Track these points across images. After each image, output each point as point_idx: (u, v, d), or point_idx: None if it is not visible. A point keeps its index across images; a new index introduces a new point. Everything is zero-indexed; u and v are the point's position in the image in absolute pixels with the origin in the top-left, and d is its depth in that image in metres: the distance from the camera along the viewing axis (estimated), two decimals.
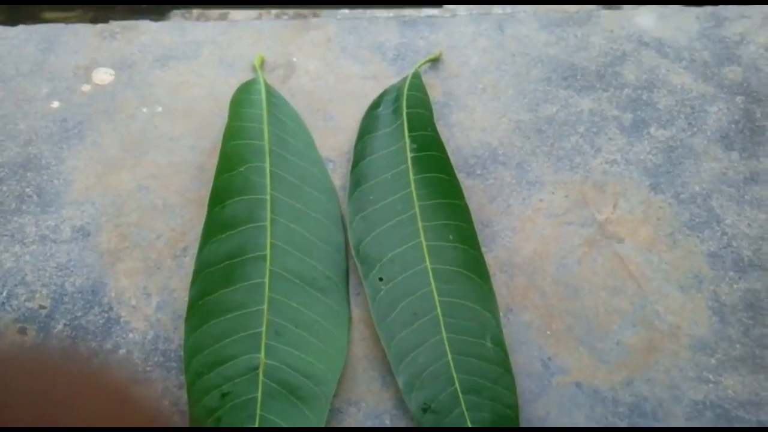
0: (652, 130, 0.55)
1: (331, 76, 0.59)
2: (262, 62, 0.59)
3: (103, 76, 0.59)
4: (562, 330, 0.46)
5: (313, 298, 0.46)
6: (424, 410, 0.42)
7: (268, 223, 0.47)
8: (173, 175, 0.53)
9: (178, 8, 0.71)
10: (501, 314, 0.46)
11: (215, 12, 0.83)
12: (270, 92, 0.55)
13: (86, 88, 0.58)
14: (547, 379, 0.44)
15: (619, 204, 0.51)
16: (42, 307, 0.47)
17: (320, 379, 0.43)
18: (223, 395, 0.41)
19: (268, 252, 0.46)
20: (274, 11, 0.80)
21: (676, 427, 0.42)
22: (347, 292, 0.47)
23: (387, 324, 0.45)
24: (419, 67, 0.57)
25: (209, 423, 0.41)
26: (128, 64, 0.59)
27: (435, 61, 0.59)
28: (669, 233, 0.50)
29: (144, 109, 0.57)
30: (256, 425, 0.41)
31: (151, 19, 0.63)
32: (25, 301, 0.47)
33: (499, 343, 0.44)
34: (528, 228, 0.50)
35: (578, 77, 0.58)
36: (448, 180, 0.49)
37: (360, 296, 0.47)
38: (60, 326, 0.46)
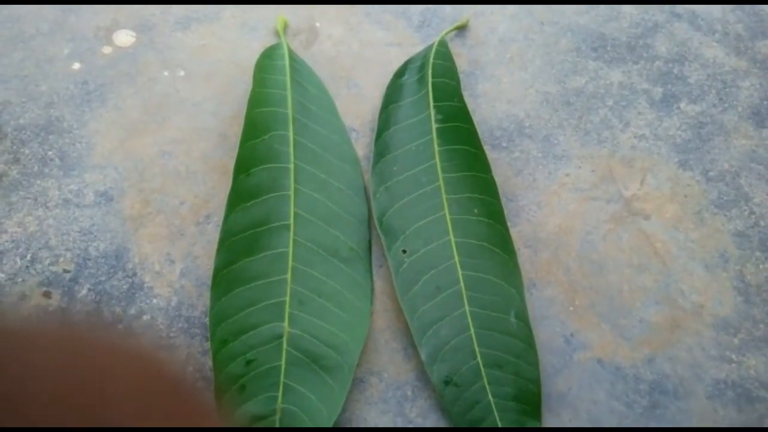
0: (682, 105, 0.54)
1: (354, 42, 0.58)
2: (285, 26, 0.58)
3: (124, 38, 0.58)
4: (586, 306, 0.46)
5: (336, 268, 0.46)
6: (446, 383, 0.42)
7: (291, 193, 0.47)
8: (196, 141, 0.52)
9: None
10: (525, 289, 0.45)
11: None
12: (293, 58, 0.54)
13: (107, 49, 0.57)
14: (569, 355, 0.44)
15: (646, 180, 0.50)
16: (66, 271, 0.47)
17: (343, 349, 0.43)
18: (248, 362, 0.42)
19: (291, 221, 0.46)
20: None
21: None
22: (370, 264, 0.47)
23: (410, 296, 0.45)
24: (446, 34, 0.56)
25: (233, 390, 0.41)
26: (149, 26, 0.58)
27: (462, 29, 0.57)
28: (696, 211, 0.49)
29: (166, 73, 0.56)
30: (280, 393, 0.41)
31: None
32: (49, 264, 0.47)
33: (523, 318, 0.44)
34: (553, 203, 0.49)
35: (608, 48, 0.57)
36: (474, 152, 0.49)
37: (383, 268, 0.47)
38: (84, 291, 0.46)
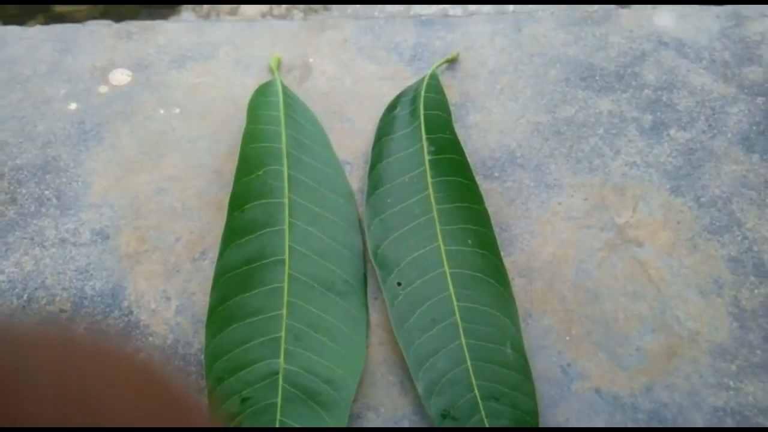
0: (672, 131, 0.55)
1: (347, 77, 0.59)
2: (279, 63, 0.59)
3: (120, 77, 0.59)
4: (582, 335, 0.46)
5: (331, 302, 0.46)
6: (444, 416, 0.42)
7: (286, 227, 0.47)
8: (191, 178, 0.53)
9: (188, 3, 0.71)
10: (520, 319, 0.45)
11: (226, 7, 0.83)
12: (287, 94, 0.55)
13: (103, 89, 0.58)
14: (567, 385, 0.44)
15: (638, 207, 0.51)
16: (62, 310, 0.47)
17: (339, 384, 0.43)
18: (243, 400, 0.42)
19: (286, 256, 0.46)
20: (284, 6, 0.80)
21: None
22: (365, 296, 0.47)
23: (406, 329, 0.45)
24: (436, 68, 0.57)
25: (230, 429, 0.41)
26: (145, 65, 0.59)
27: (452, 62, 0.58)
28: (689, 237, 0.49)
29: (161, 111, 0.57)
30: None
31: (162, 16, 0.63)
32: (45, 304, 0.48)
33: (519, 350, 0.44)
34: (547, 231, 0.50)
35: (597, 78, 0.57)
36: (467, 184, 0.49)
37: (378, 300, 0.47)
38: (80, 330, 0.46)
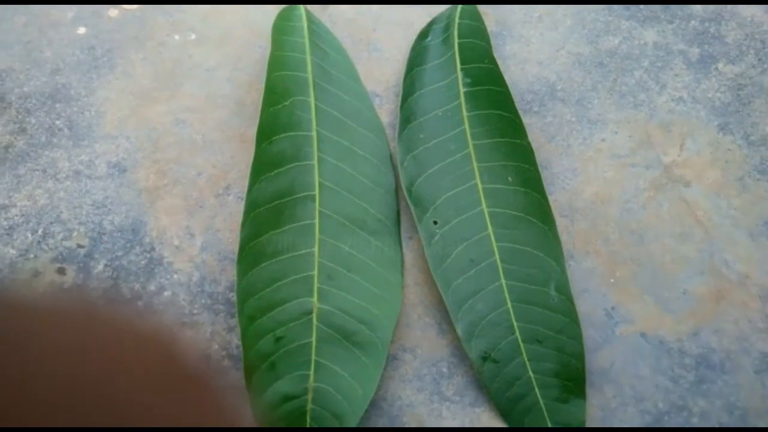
0: (720, 65, 0.51)
1: (374, 3, 0.55)
2: None
3: None
4: (627, 278, 0.44)
5: (364, 240, 0.43)
6: (485, 359, 0.40)
7: (315, 162, 0.45)
8: (211, 109, 0.50)
9: None
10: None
11: None
12: (311, 20, 0.51)
13: (114, 12, 0.54)
14: (611, 329, 0.42)
15: (685, 145, 0.48)
16: (80, 246, 0.45)
17: (376, 325, 0.41)
18: (277, 339, 0.40)
19: (316, 192, 0.44)
20: None
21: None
22: (399, 235, 0.45)
23: (443, 270, 0.43)
24: None
25: (263, 368, 0.39)
26: None
27: None
28: (738, 177, 0.47)
29: (176, 36, 0.53)
30: (311, 372, 0.39)
31: None
32: (62, 239, 0.45)
33: (564, 291, 0.42)
34: (589, 170, 0.47)
35: (641, 7, 0.54)
36: (508, 117, 0.46)
37: (412, 240, 0.45)
38: (100, 266, 0.44)
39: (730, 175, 0.47)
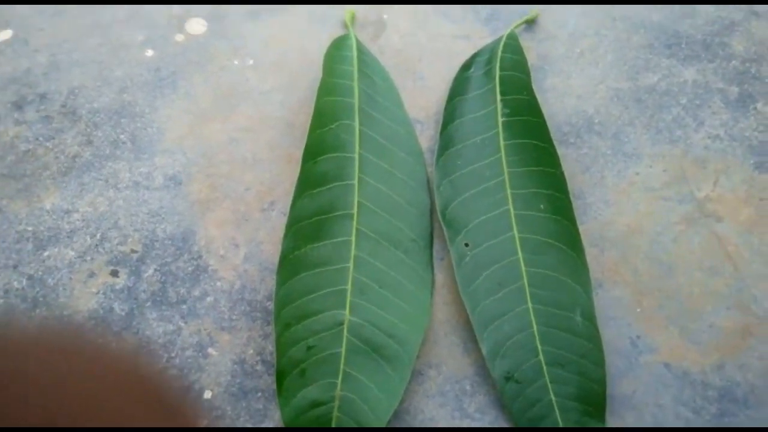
0: (759, 105, 0.52)
1: (422, 35, 0.58)
2: (353, 18, 0.58)
3: (196, 26, 0.59)
4: (654, 308, 0.44)
5: (397, 259, 0.46)
6: (507, 379, 0.42)
7: (356, 182, 0.47)
8: (263, 130, 0.53)
9: None
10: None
11: None
12: (361, 50, 0.54)
13: (180, 37, 0.58)
14: (635, 358, 0.43)
15: (720, 181, 0.49)
16: (134, 251, 0.48)
17: (403, 340, 0.43)
18: (309, 348, 0.42)
19: (355, 210, 0.46)
20: None
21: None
22: (431, 256, 0.47)
23: (471, 290, 0.44)
24: (515, 27, 0.55)
25: (294, 374, 0.41)
26: (221, 15, 0.59)
27: (531, 23, 0.57)
28: None
29: (236, 62, 0.57)
30: (339, 380, 0.41)
31: None
32: (117, 244, 0.49)
33: (590, 318, 0.43)
34: (622, 201, 0.48)
35: (683, 46, 0.55)
36: (543, 146, 0.48)
37: (444, 261, 0.47)
38: (150, 271, 0.48)
39: (763, 213, 0.47)
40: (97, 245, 0.49)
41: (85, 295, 0.46)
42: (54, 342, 0.19)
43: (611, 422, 0.41)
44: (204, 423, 0.20)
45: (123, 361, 0.19)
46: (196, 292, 0.47)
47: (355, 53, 0.53)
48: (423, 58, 0.56)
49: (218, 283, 0.47)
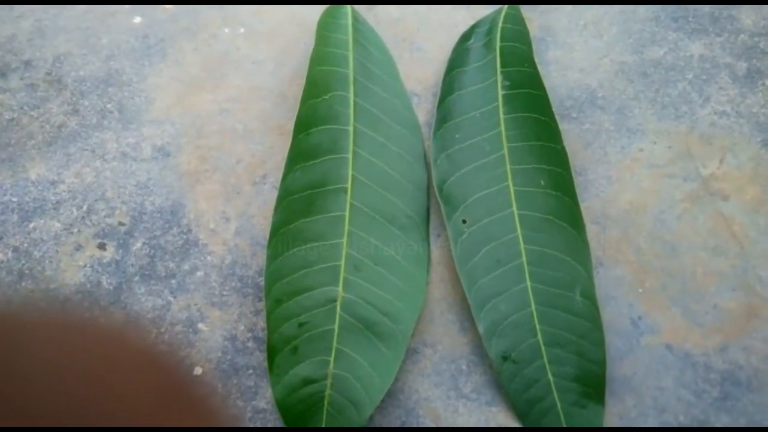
0: (767, 81, 0.50)
1: (420, 4, 0.56)
2: None
3: None
4: (656, 288, 0.43)
5: (392, 235, 0.44)
6: (504, 359, 0.40)
7: (350, 155, 0.46)
8: (254, 101, 0.51)
9: None
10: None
11: None
12: (356, 18, 0.52)
13: (169, 4, 0.56)
14: (636, 338, 0.42)
15: (726, 159, 0.47)
16: (121, 223, 0.47)
17: (398, 318, 0.41)
18: (301, 324, 0.41)
19: (349, 185, 0.45)
20: None
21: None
22: (427, 232, 0.45)
23: (469, 268, 0.43)
24: None
25: (286, 351, 0.40)
26: None
27: None
28: None
29: (226, 30, 0.55)
30: (332, 358, 0.40)
31: None
32: (105, 216, 0.47)
33: (590, 297, 0.41)
34: (625, 178, 0.47)
35: (690, 18, 0.53)
36: (544, 120, 0.46)
37: (440, 237, 0.46)
38: (139, 244, 0.46)
39: None
40: (83, 217, 0.47)
41: (72, 269, 0.45)
42: (40, 316, 0.18)
43: (611, 404, 0.40)
44: (195, 396, 0.19)
45: (111, 335, 0.19)
46: (186, 267, 0.45)
47: (350, 22, 0.51)
48: (421, 28, 0.54)
49: (208, 258, 0.45)
